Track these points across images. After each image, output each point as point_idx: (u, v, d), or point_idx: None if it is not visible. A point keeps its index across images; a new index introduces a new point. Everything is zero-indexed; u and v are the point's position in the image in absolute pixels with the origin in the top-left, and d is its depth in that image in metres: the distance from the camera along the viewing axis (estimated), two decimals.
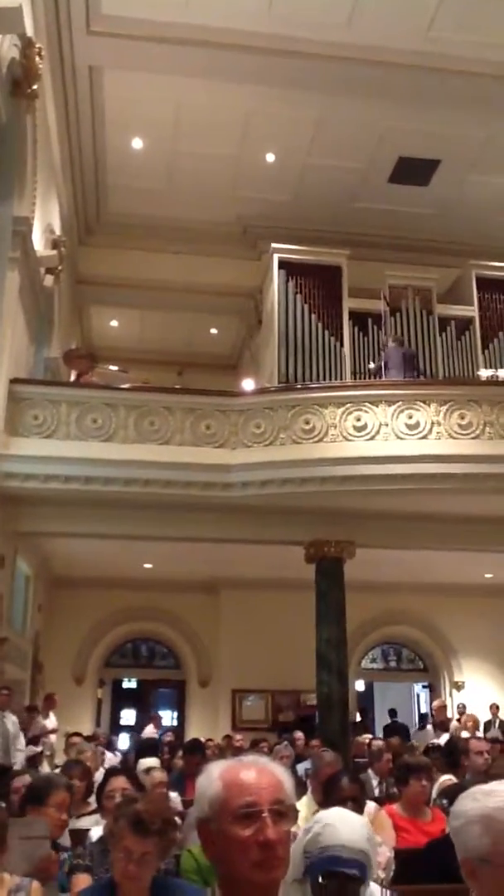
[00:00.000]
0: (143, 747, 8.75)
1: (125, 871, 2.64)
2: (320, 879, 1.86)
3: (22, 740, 8.71)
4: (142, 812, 2.75)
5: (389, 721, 13.12)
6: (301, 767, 8.04)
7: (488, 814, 1.51)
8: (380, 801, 5.39)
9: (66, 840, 4.24)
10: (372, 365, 12.15)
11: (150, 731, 12.12)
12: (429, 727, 12.20)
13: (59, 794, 3.39)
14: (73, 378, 11.31)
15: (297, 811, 1.55)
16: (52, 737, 10.45)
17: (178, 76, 10.81)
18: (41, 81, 9.22)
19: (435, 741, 10.38)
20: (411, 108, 11.38)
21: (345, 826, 1.90)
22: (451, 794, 4.54)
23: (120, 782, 3.97)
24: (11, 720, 8.55)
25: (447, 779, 5.35)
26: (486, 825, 1.50)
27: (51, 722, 10.73)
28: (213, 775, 1.52)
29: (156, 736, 11.14)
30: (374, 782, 7.13)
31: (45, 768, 8.47)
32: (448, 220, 13.82)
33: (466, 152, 12.46)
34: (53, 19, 9.64)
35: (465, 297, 13.69)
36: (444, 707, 12.67)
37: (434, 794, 5.13)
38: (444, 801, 4.51)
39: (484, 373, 12.35)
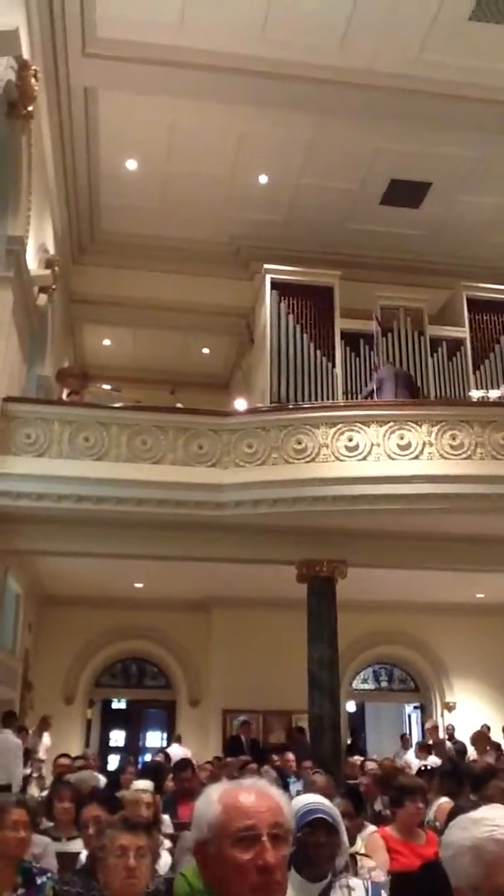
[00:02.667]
0: (149, 769, 8.39)
1: (126, 870, 2.65)
2: (299, 834, 2.47)
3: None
4: (126, 814, 3.03)
5: (349, 741, 12.95)
6: (293, 789, 8.00)
7: (477, 844, 1.51)
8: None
9: (52, 862, 4.19)
10: (374, 378, 12.21)
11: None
12: (410, 751, 12.05)
13: (9, 814, 3.31)
14: (65, 397, 11.30)
15: (294, 834, 1.55)
16: (43, 756, 10.36)
17: (172, 98, 10.91)
18: (36, 103, 9.28)
19: (423, 763, 10.33)
20: (403, 130, 11.52)
21: (306, 796, 2.82)
22: (452, 817, 4.52)
23: (93, 810, 3.90)
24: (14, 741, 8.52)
25: (444, 801, 5.30)
26: (476, 855, 1.50)
27: (44, 744, 10.64)
28: (212, 798, 1.52)
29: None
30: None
31: (34, 791, 8.40)
32: (439, 241, 13.96)
33: (457, 174, 12.60)
34: (49, 41, 9.72)
35: (457, 318, 13.79)
36: (436, 728, 12.62)
37: (430, 815, 5.10)
38: (438, 824, 4.48)
39: (475, 393, 12.41)
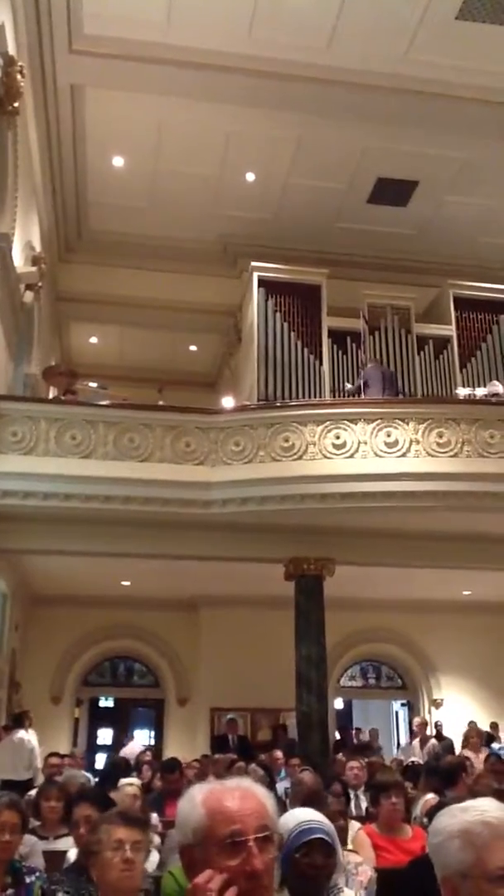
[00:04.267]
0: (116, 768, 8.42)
1: (124, 863, 2.65)
2: (297, 855, 2.33)
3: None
4: (122, 808, 3.05)
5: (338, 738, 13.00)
6: (281, 787, 8.01)
7: (466, 828, 1.49)
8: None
9: (39, 861, 4.18)
10: (349, 386, 12.21)
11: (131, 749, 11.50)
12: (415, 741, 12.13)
13: None
14: (52, 395, 11.27)
15: (280, 835, 1.53)
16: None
17: (160, 96, 10.89)
18: (23, 99, 9.26)
19: (411, 759, 10.37)
20: (390, 129, 11.54)
21: (301, 811, 2.49)
22: (434, 812, 4.54)
23: (84, 809, 3.90)
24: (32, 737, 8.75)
25: (431, 797, 5.33)
26: (466, 839, 1.48)
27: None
28: (196, 801, 1.48)
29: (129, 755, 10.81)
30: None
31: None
32: (426, 240, 14.00)
33: (444, 173, 12.64)
34: (35, 38, 9.68)
35: (443, 316, 13.83)
36: (424, 725, 12.66)
37: (417, 812, 5.12)
38: (426, 820, 4.50)
39: (462, 391, 12.44)
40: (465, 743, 10.83)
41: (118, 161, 12.33)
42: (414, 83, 10.59)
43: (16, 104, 8.93)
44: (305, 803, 4.00)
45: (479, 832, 1.46)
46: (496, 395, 11.14)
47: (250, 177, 12.68)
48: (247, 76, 10.42)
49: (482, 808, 1.51)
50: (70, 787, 5.48)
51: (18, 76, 8.86)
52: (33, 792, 5.89)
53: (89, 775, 8.07)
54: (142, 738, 13.76)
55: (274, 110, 11.11)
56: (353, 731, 13.76)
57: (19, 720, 9.75)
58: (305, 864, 2.38)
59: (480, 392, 11.72)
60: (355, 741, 12.69)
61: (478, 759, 9.27)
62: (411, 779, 7.06)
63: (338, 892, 2.61)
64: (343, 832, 3.92)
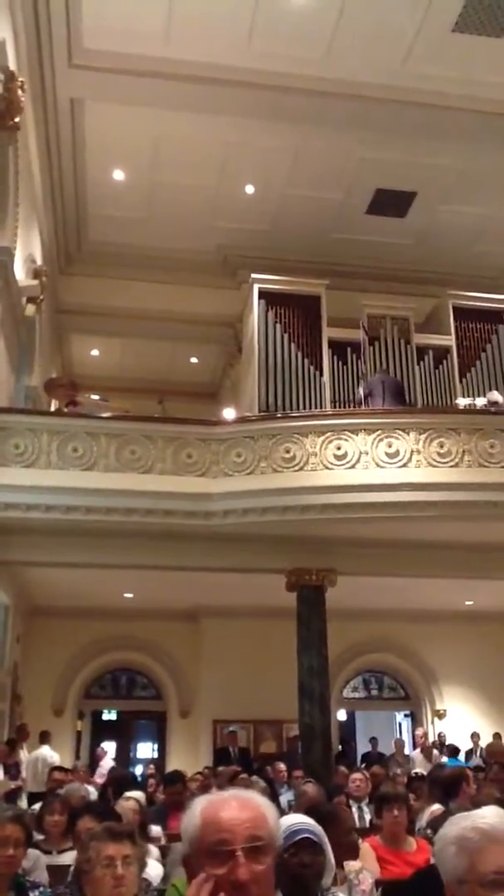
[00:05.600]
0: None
1: (115, 879, 2.65)
2: (285, 855, 2.43)
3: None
4: (109, 823, 3.02)
5: (370, 749, 13.04)
6: (284, 800, 7.98)
7: (461, 834, 1.51)
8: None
9: (43, 876, 4.17)
10: (361, 390, 12.27)
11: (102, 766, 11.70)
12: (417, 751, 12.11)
13: (2, 829, 3.23)
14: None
15: (278, 844, 1.52)
16: (23, 771, 10.26)
17: (159, 108, 10.96)
18: (23, 114, 9.31)
19: (415, 771, 10.31)
20: (388, 140, 11.61)
21: (291, 817, 2.69)
22: (438, 824, 4.52)
23: (87, 823, 3.89)
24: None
25: (437, 808, 5.31)
26: (460, 845, 1.50)
27: (24, 754, 10.55)
28: (196, 811, 1.49)
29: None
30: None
31: (24, 803, 8.33)
32: (425, 250, 14.05)
33: (442, 184, 12.70)
34: (36, 53, 9.75)
35: (443, 326, 13.86)
36: (426, 735, 12.62)
37: (423, 823, 5.10)
38: (429, 832, 4.48)
39: (462, 401, 12.45)
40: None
41: (118, 173, 12.40)
42: (411, 94, 10.66)
43: (16, 119, 8.99)
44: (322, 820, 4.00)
45: (472, 838, 1.49)
46: (495, 404, 11.16)
47: (249, 188, 12.74)
48: (245, 88, 10.49)
49: (479, 815, 1.53)
50: (73, 800, 5.47)
51: (19, 91, 8.92)
52: (37, 806, 5.88)
53: (91, 788, 8.03)
54: (112, 752, 13.54)
55: (272, 122, 11.18)
56: (370, 741, 13.67)
57: (43, 737, 10.68)
58: (293, 863, 2.54)
59: (480, 402, 11.73)
60: (372, 750, 12.73)
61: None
62: (414, 790, 7.03)
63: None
64: (354, 848, 3.92)
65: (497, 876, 1.42)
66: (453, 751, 11.88)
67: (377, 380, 11.62)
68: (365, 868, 3.68)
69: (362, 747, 14.63)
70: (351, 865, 3.55)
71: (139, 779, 8.82)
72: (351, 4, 9.59)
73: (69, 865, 4.26)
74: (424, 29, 9.90)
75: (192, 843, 1.46)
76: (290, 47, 10.07)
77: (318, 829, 2.68)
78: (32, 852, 4.30)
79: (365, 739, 14.81)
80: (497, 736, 12.79)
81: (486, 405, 11.39)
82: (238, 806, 1.47)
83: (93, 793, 7.58)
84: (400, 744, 12.86)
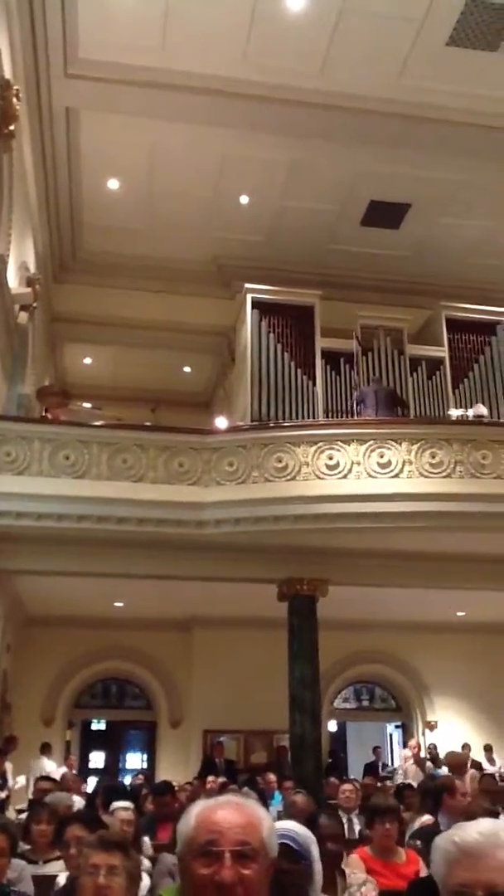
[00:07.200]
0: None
1: (95, 888, 2.62)
2: None
3: None
4: (103, 832, 2.97)
5: (371, 759, 13.01)
6: (273, 810, 7.93)
7: (442, 845, 1.54)
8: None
9: (28, 887, 4.12)
10: (357, 393, 12.29)
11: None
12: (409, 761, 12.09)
13: None
14: (45, 415, 11.27)
15: (271, 851, 1.52)
16: (21, 781, 10.21)
17: (154, 119, 10.99)
18: (18, 122, 9.33)
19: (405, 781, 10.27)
20: (383, 152, 11.66)
21: (279, 822, 2.46)
22: (425, 835, 4.50)
23: (75, 830, 3.86)
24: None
25: (427, 819, 5.29)
26: (440, 856, 1.53)
27: (10, 766, 10.48)
28: (191, 813, 1.51)
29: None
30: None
31: (12, 814, 8.27)
32: (419, 262, 14.10)
33: (436, 196, 12.76)
34: (31, 62, 9.77)
35: (436, 337, 13.90)
36: (418, 747, 12.59)
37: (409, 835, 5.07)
38: (418, 843, 4.46)
39: (454, 412, 12.49)
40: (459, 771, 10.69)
41: (113, 183, 12.42)
42: (406, 107, 10.72)
43: (12, 127, 9.01)
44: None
45: (448, 850, 1.51)
46: (480, 416, 11.22)
47: (244, 199, 12.78)
48: (241, 100, 10.54)
49: (463, 827, 1.55)
50: (59, 809, 5.42)
51: (14, 100, 8.95)
52: (23, 815, 5.83)
53: (78, 798, 7.97)
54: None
55: (268, 133, 11.23)
56: (373, 750, 13.59)
57: (44, 749, 11.09)
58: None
59: (473, 413, 11.78)
60: (375, 761, 12.72)
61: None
62: (404, 800, 7.00)
63: None
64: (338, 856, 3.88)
65: (462, 888, 1.43)
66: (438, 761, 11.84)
67: (370, 390, 11.66)
68: (367, 882, 3.63)
69: (354, 758, 14.59)
70: (355, 877, 3.51)
71: (128, 789, 8.73)
72: (347, 18, 9.66)
73: (55, 876, 4.22)
74: (419, 43, 9.97)
75: (185, 843, 1.48)
76: (286, 59, 10.13)
77: (305, 836, 2.61)
78: (18, 862, 4.25)
79: (356, 750, 14.77)
80: (488, 748, 12.75)
81: (476, 416, 11.45)
82: (232, 810, 1.49)
83: (79, 802, 7.52)
84: (379, 751, 12.84)
